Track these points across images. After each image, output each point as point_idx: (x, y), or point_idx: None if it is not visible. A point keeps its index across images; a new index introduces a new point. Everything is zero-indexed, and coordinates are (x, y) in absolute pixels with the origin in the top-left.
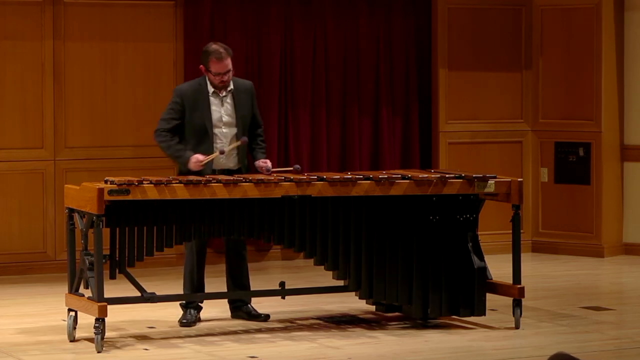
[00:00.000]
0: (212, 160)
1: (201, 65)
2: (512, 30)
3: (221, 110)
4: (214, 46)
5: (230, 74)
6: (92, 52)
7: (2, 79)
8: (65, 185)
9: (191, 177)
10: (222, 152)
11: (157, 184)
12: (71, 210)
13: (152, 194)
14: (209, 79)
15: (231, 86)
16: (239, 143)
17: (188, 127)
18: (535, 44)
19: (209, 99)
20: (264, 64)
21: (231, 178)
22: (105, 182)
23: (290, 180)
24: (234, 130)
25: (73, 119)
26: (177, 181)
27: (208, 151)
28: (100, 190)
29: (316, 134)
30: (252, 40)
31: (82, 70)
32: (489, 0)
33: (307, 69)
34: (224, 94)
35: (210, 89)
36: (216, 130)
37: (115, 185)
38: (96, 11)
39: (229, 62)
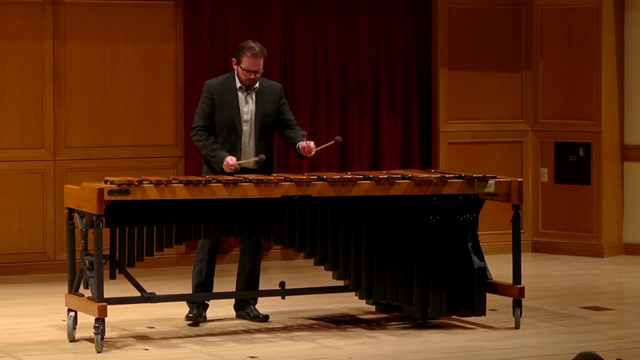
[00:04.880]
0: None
1: (233, 59)
2: (512, 30)
3: (244, 107)
4: (251, 43)
5: (259, 74)
6: (92, 52)
7: (2, 79)
8: (65, 185)
9: (191, 177)
10: (262, 159)
11: (157, 184)
12: (71, 210)
13: (152, 194)
14: (237, 74)
15: (257, 85)
16: (256, 159)
17: (217, 122)
18: (535, 44)
19: (237, 94)
20: (264, 63)
21: (231, 178)
22: (105, 182)
23: (290, 180)
24: (252, 128)
25: (73, 119)
26: (177, 181)
27: (236, 144)
28: (100, 190)
29: (316, 134)
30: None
31: (82, 70)
32: (489, 0)
33: (307, 69)
34: (250, 91)
35: (238, 84)
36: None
37: (115, 185)
38: (96, 11)
39: (261, 62)
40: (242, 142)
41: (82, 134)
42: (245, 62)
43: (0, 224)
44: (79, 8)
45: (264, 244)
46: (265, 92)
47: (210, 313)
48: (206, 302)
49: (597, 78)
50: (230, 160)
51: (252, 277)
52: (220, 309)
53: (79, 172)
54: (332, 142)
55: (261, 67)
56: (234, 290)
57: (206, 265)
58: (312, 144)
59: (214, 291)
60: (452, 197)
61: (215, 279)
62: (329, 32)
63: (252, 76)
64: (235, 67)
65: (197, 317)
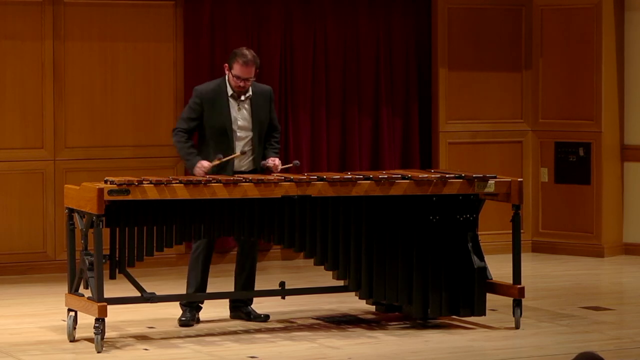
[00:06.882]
0: (230, 162)
1: (225, 64)
2: (512, 30)
3: (238, 114)
4: (244, 50)
5: (250, 82)
6: (92, 52)
7: (2, 79)
8: (65, 185)
9: (191, 177)
10: (243, 152)
11: (157, 184)
12: (71, 210)
13: (152, 194)
14: (228, 80)
15: (250, 92)
16: (237, 155)
17: (207, 128)
18: (535, 44)
19: (228, 101)
20: (264, 64)
21: (231, 178)
22: (105, 182)
23: (290, 180)
24: (250, 134)
25: (73, 119)
26: (177, 181)
27: (228, 152)
28: (100, 190)
29: (316, 134)
30: (252, 40)
31: (82, 70)
32: (489, 0)
33: (307, 69)
34: (243, 98)
35: (230, 91)
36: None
37: (115, 185)
38: (96, 11)
39: (252, 70)
40: (236, 149)
41: (82, 134)
42: (237, 69)
43: (0, 224)
44: (79, 8)
45: (264, 244)
46: (259, 97)
47: (209, 313)
48: (200, 304)
49: (597, 78)
50: (206, 163)
51: (251, 278)
52: (219, 309)
53: (79, 172)
54: (291, 165)
55: (252, 76)
56: (232, 290)
57: (201, 268)
58: (277, 161)
59: (210, 291)
60: (452, 197)
61: (213, 279)
62: (329, 32)
63: (241, 83)
64: (227, 72)
65: (190, 320)
